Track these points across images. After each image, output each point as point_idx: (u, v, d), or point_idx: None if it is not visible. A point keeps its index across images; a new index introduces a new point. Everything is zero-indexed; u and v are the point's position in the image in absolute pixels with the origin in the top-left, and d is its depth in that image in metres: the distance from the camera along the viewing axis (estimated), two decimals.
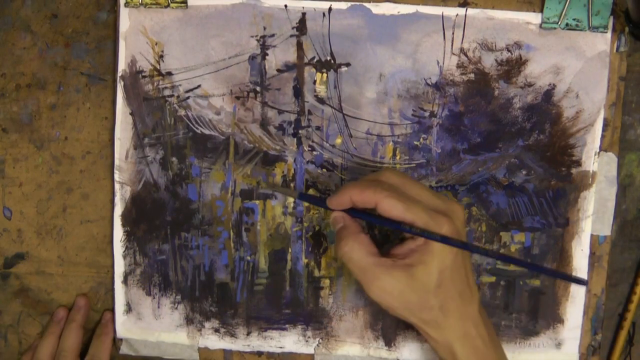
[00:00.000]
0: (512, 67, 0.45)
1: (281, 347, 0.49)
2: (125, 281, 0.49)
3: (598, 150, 0.46)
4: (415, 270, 0.37)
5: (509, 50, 0.45)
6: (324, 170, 0.47)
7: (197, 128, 0.47)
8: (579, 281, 0.37)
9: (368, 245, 0.38)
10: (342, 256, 0.39)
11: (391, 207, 0.37)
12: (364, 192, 0.38)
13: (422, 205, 0.37)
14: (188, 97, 0.47)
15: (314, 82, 0.46)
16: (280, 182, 0.47)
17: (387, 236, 0.47)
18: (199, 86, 0.47)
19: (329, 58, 0.46)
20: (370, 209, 0.39)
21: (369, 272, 0.38)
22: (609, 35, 0.44)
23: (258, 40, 0.46)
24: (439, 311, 0.38)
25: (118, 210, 0.48)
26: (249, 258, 0.48)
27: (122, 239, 0.48)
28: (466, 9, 0.45)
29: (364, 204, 0.38)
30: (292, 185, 0.47)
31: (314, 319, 0.48)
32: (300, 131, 0.47)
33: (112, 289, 0.49)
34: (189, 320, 0.49)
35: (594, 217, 0.46)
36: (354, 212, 0.40)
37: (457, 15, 0.45)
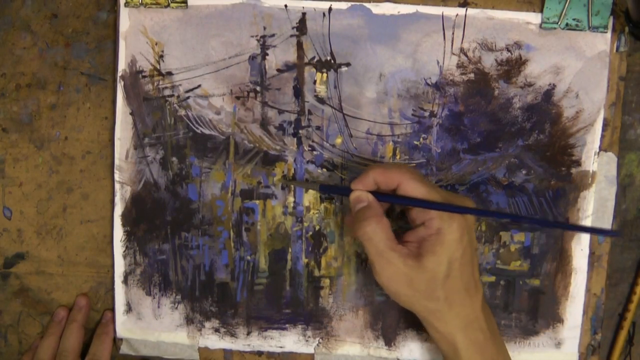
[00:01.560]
0: (512, 67, 0.45)
1: (281, 347, 0.49)
2: (125, 281, 0.49)
3: (598, 150, 0.46)
4: (425, 259, 0.38)
5: (509, 50, 0.45)
6: (324, 170, 0.47)
7: (197, 128, 0.47)
8: (609, 233, 0.37)
9: (388, 230, 0.39)
10: (361, 236, 0.39)
11: (414, 188, 0.38)
12: (387, 172, 0.39)
13: (440, 195, 0.39)
14: (188, 97, 0.47)
15: (314, 82, 0.46)
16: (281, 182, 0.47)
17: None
18: (199, 86, 0.47)
19: (329, 58, 0.46)
20: (390, 193, 0.40)
21: (385, 256, 0.38)
22: (608, 35, 0.45)
23: (258, 40, 0.46)
24: (444, 302, 0.39)
25: (118, 210, 0.48)
26: (249, 258, 0.48)
27: (122, 239, 0.48)
28: (466, 9, 0.45)
29: (387, 185, 0.39)
30: (292, 185, 0.47)
31: (314, 319, 0.48)
32: (300, 131, 0.47)
33: (112, 289, 0.49)
34: (189, 320, 0.49)
35: (593, 217, 0.46)
36: (377, 195, 0.40)
37: (457, 15, 0.45)
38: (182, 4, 0.46)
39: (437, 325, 0.40)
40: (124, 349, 0.49)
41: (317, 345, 0.48)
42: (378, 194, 0.40)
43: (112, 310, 0.49)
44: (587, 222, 0.46)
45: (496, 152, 0.46)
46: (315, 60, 0.46)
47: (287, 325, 0.48)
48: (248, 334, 0.49)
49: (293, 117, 0.47)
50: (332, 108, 0.46)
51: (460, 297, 0.39)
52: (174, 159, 0.47)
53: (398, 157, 0.47)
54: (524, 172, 0.46)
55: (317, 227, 0.48)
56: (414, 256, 0.38)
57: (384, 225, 0.39)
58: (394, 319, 0.48)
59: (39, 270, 0.50)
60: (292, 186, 0.47)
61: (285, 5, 0.45)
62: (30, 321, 0.51)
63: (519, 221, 0.39)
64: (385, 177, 0.39)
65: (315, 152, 0.47)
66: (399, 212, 0.46)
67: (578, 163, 0.46)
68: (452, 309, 0.39)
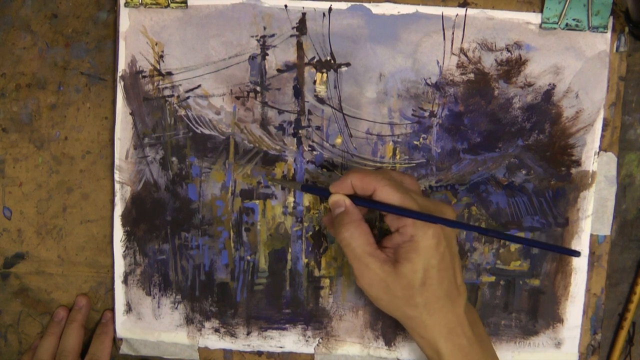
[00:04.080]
0: (512, 67, 0.45)
1: (281, 347, 0.49)
2: (125, 281, 0.49)
3: (598, 150, 0.46)
4: (401, 266, 0.38)
5: (508, 50, 0.45)
6: (324, 170, 0.47)
7: (197, 128, 0.47)
8: (572, 253, 0.37)
9: (367, 234, 0.39)
10: (341, 241, 0.39)
11: (388, 194, 0.38)
12: (364, 178, 0.39)
13: (416, 202, 0.38)
14: (188, 97, 0.47)
15: (314, 82, 0.46)
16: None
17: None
18: (199, 86, 0.47)
19: (329, 58, 0.46)
20: (368, 198, 0.40)
21: (363, 261, 0.39)
22: (608, 35, 0.45)
23: (258, 40, 0.46)
24: (423, 309, 0.39)
25: (118, 210, 0.48)
26: (249, 258, 0.48)
27: (122, 239, 0.48)
28: (466, 9, 0.45)
29: (363, 190, 0.39)
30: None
31: (314, 319, 0.48)
32: (300, 131, 0.47)
33: (112, 289, 0.49)
34: (189, 320, 0.49)
35: (593, 216, 0.46)
36: (355, 199, 0.40)
37: (457, 15, 0.45)
38: (182, 4, 0.46)
39: (419, 331, 0.40)
40: (124, 349, 0.49)
41: (317, 345, 0.48)
42: (355, 198, 0.40)
43: (112, 310, 0.49)
44: (587, 222, 0.46)
45: (496, 152, 0.46)
46: (315, 60, 0.46)
47: (287, 325, 0.48)
48: (248, 334, 0.49)
49: (293, 117, 0.47)
50: (332, 108, 0.46)
51: (441, 303, 0.39)
52: (174, 159, 0.47)
53: (398, 157, 0.47)
54: (524, 172, 0.46)
55: (317, 227, 0.48)
56: (391, 262, 0.38)
57: (362, 231, 0.39)
58: (394, 319, 0.48)
59: (39, 270, 0.50)
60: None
61: (285, 5, 0.45)
62: (30, 321, 0.51)
63: (486, 235, 0.39)
64: (362, 182, 0.39)
65: (315, 152, 0.47)
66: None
67: (578, 163, 0.46)
68: (432, 315, 0.39)
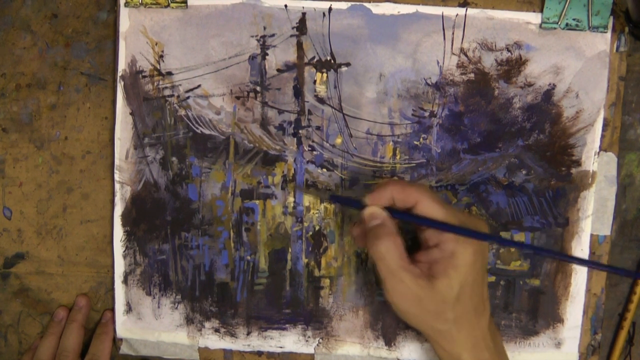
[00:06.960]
0: (512, 67, 0.45)
1: (281, 347, 0.49)
2: (125, 281, 0.49)
3: (598, 150, 0.46)
4: (437, 282, 0.38)
5: (508, 50, 0.45)
6: (324, 170, 0.47)
7: (197, 128, 0.47)
8: (628, 273, 0.36)
9: (401, 249, 0.38)
10: (374, 254, 0.38)
11: (431, 208, 0.38)
12: (405, 189, 0.38)
13: (457, 217, 0.38)
14: (188, 97, 0.47)
15: (314, 82, 0.46)
16: (280, 182, 0.47)
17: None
18: (199, 86, 0.47)
19: (329, 58, 0.46)
20: (405, 210, 0.39)
21: (396, 275, 0.38)
22: (608, 35, 0.45)
23: (258, 40, 0.46)
24: (453, 324, 0.38)
25: (118, 210, 0.48)
26: (249, 258, 0.48)
27: (122, 239, 0.48)
28: (466, 9, 0.45)
29: (404, 202, 0.39)
30: (292, 184, 0.47)
31: (314, 319, 0.48)
32: (300, 131, 0.47)
33: (112, 289, 0.49)
34: (189, 320, 0.49)
35: (593, 216, 0.46)
36: (391, 212, 0.39)
37: (457, 15, 0.45)
38: (182, 4, 0.46)
39: (445, 345, 0.40)
40: (124, 349, 0.49)
41: (317, 345, 0.48)
42: (393, 210, 0.39)
43: (112, 310, 0.49)
44: (588, 222, 0.46)
45: (496, 152, 0.46)
46: (315, 60, 0.46)
47: (287, 325, 0.48)
48: (248, 334, 0.49)
49: (293, 117, 0.47)
50: (332, 108, 0.46)
51: (469, 318, 0.39)
52: (174, 159, 0.47)
53: (398, 157, 0.47)
54: (524, 172, 0.46)
55: (317, 227, 0.48)
56: (426, 277, 0.38)
57: (398, 245, 0.38)
58: (394, 319, 0.48)
59: (39, 270, 0.50)
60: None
61: (285, 5, 0.45)
62: (30, 321, 0.51)
63: (537, 253, 0.38)
64: (403, 195, 0.38)
65: (315, 152, 0.47)
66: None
67: (578, 163, 0.46)
68: (460, 330, 0.39)
